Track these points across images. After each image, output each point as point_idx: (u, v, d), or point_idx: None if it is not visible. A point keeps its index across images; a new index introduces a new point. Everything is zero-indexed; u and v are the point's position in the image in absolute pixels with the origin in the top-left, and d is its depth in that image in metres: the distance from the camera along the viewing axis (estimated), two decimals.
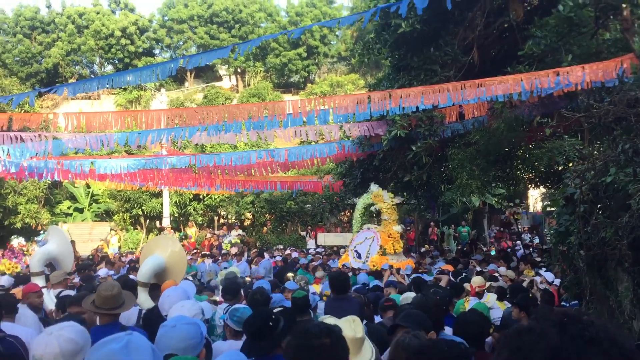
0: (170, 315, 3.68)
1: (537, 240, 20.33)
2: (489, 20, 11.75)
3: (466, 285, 7.73)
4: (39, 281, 6.59)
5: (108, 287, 4.01)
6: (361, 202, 14.45)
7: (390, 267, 10.74)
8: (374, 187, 14.07)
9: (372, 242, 13.40)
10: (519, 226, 23.01)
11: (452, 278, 9.89)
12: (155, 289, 5.88)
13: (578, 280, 5.49)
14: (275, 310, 3.62)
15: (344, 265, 12.12)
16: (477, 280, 7.50)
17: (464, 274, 9.73)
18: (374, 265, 12.41)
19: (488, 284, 7.83)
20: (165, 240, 6.89)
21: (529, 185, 15.38)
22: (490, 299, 7.30)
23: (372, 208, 14.53)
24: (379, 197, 13.94)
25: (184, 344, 2.77)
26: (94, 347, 1.79)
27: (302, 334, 2.16)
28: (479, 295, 7.28)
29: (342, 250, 15.95)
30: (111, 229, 23.55)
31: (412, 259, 13.72)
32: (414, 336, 2.99)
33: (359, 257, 13.37)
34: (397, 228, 13.84)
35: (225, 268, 11.99)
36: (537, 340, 1.15)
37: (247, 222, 26.16)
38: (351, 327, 3.15)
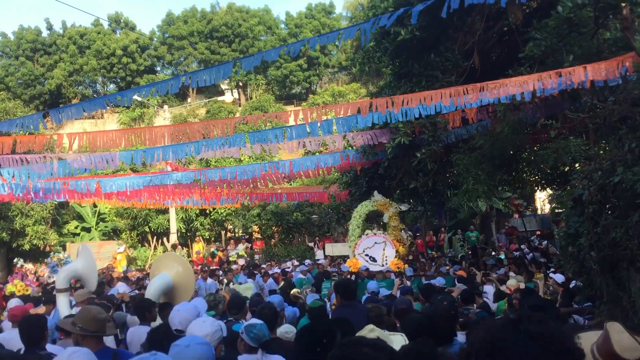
0: (191, 331, 3.64)
1: (545, 243, 20.10)
2: (488, 24, 11.72)
3: (503, 288, 7.88)
4: (64, 298, 6.62)
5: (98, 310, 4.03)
6: (362, 209, 14.45)
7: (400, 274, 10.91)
8: (378, 196, 14.12)
9: (385, 247, 13.48)
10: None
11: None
12: (166, 308, 5.85)
13: (590, 281, 5.43)
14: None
15: (360, 270, 12.12)
16: (512, 283, 7.68)
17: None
18: (398, 268, 12.69)
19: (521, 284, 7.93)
20: (173, 259, 6.89)
21: (536, 188, 15.27)
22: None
23: (382, 218, 14.56)
24: (384, 205, 14.02)
25: None
26: None
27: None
28: None
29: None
30: (118, 247, 23.55)
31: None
32: None
33: (374, 260, 13.41)
34: (403, 233, 14.18)
35: (240, 283, 11.96)
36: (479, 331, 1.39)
37: (254, 235, 26.12)
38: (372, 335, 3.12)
